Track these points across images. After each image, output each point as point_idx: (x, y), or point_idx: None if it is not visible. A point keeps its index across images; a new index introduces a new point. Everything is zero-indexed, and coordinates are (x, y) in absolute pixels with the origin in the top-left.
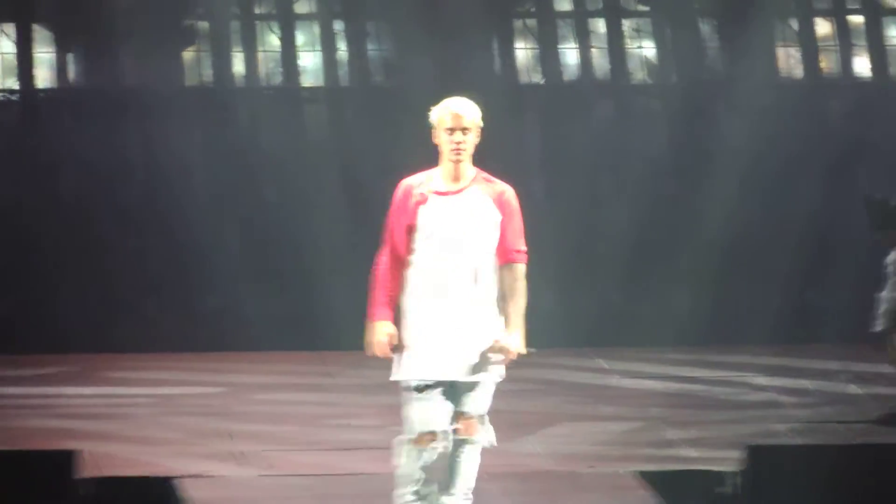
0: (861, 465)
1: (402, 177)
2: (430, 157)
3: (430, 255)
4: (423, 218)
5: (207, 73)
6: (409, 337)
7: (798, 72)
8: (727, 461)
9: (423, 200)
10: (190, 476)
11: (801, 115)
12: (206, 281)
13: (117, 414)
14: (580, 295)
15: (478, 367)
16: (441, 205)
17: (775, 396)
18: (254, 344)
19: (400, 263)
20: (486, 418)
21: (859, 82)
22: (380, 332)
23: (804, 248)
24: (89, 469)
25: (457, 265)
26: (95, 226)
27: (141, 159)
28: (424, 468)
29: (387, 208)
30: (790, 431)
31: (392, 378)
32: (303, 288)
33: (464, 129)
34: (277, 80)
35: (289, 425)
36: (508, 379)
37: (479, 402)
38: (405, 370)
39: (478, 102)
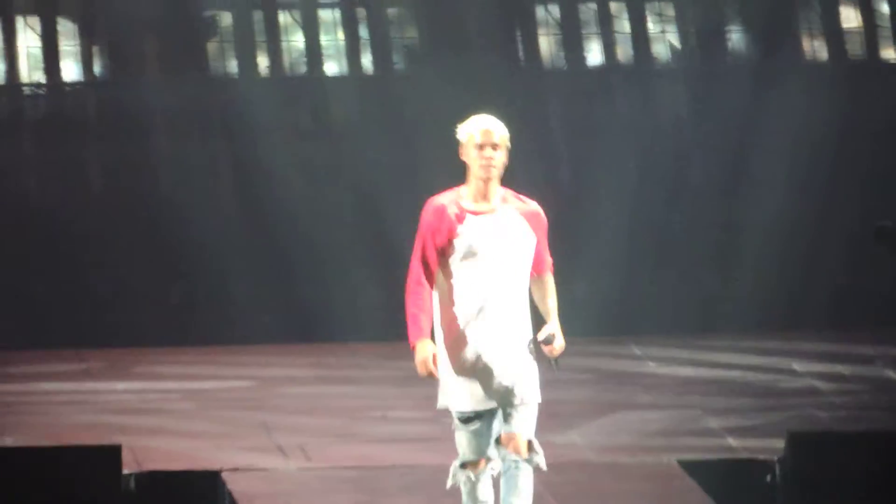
0: None
1: (424, 166)
2: (451, 147)
3: (468, 276)
4: (461, 238)
5: (231, 64)
6: (449, 362)
7: (823, 55)
8: (769, 450)
9: (459, 220)
10: (232, 469)
11: (828, 99)
12: (229, 274)
13: (152, 409)
14: (611, 282)
15: (518, 388)
16: (478, 225)
17: (813, 383)
18: (279, 337)
19: (433, 285)
20: (535, 442)
21: (886, 67)
22: (421, 351)
23: (838, 232)
24: (131, 464)
25: (496, 287)
26: (123, 218)
27: (165, 152)
28: (479, 492)
29: (411, 199)
30: (832, 419)
31: (438, 406)
32: (328, 280)
33: (494, 146)
34: (301, 69)
35: (324, 418)
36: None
37: (523, 422)
38: (449, 398)
39: (502, 89)
